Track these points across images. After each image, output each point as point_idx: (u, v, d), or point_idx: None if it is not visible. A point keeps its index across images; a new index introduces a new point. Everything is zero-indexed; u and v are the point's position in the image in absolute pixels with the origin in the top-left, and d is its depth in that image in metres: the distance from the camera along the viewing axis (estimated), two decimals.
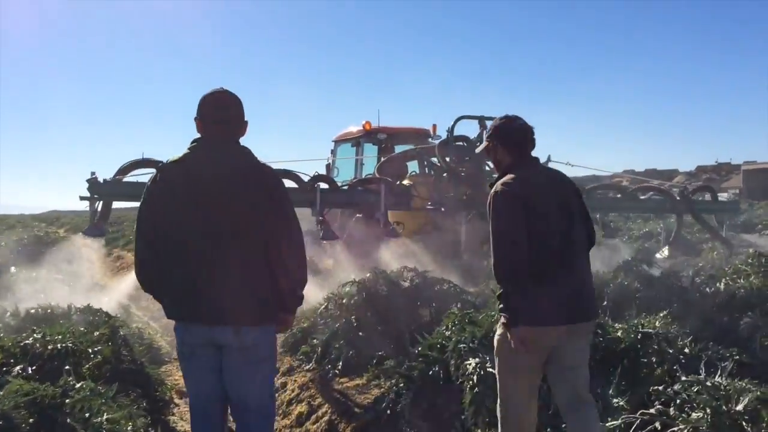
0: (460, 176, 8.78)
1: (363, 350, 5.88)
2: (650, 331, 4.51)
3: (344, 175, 11.25)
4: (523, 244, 3.14)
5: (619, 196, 9.35)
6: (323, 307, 6.49)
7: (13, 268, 10.12)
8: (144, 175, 7.37)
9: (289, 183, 7.15)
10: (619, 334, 4.59)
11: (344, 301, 6.30)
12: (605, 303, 7.86)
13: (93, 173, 6.71)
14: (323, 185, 7.38)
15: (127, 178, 7.38)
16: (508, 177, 3.33)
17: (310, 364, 6.06)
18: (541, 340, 3.26)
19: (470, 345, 4.56)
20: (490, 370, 4.20)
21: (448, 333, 4.96)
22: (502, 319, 3.26)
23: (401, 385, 4.70)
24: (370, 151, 11.35)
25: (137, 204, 3.13)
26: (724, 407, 3.24)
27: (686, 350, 4.39)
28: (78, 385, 3.64)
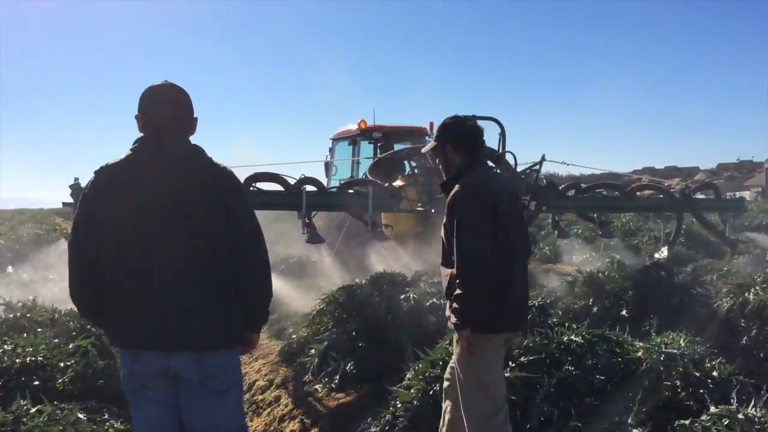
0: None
1: (363, 363, 5.49)
2: (674, 351, 4.06)
3: (342, 173, 11.04)
4: (490, 245, 3.17)
5: (616, 194, 8.79)
6: (315, 312, 6.12)
7: (9, 268, 9.87)
8: None
9: (275, 187, 6.97)
10: (640, 354, 4.17)
11: (338, 308, 5.92)
12: (623, 313, 7.50)
13: (76, 179, 6.39)
14: (310, 188, 7.12)
15: None
16: (472, 176, 3.33)
17: (307, 376, 5.67)
18: (497, 346, 3.41)
19: None
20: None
21: (451, 348, 4.56)
22: (454, 319, 3.26)
23: (398, 405, 4.30)
24: (367, 149, 11.20)
25: None
26: None
27: (714, 373, 3.94)
28: (33, 410, 3.26)
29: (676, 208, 8.86)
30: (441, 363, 4.29)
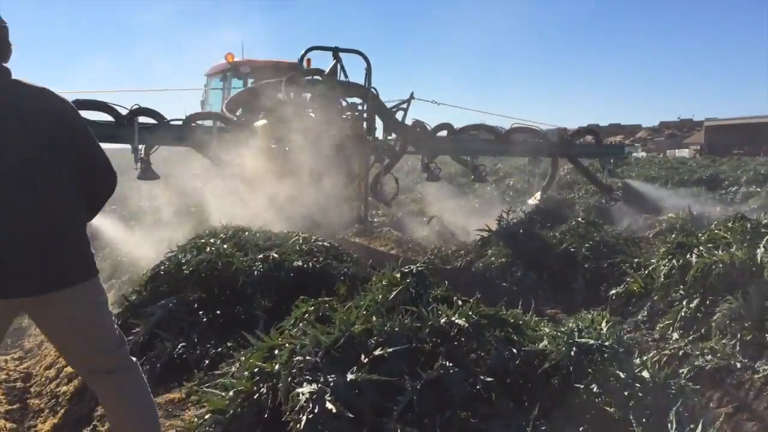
0: (306, 114, 7.77)
1: (199, 344, 4.19)
2: (591, 341, 2.86)
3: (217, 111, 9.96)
4: None
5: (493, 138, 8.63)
6: (150, 274, 4.77)
7: None
8: None
9: (103, 117, 6.61)
10: (544, 343, 2.95)
11: (177, 269, 4.57)
12: (544, 277, 6.44)
13: None
14: (145, 119, 6.68)
15: None
16: None
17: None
18: None
19: (309, 359, 2.88)
20: (331, 406, 2.59)
21: (295, 331, 3.27)
22: None
23: (207, 417, 3.01)
24: (237, 85, 10.53)
25: None
26: None
27: (645, 374, 2.76)
28: None
29: (552, 153, 8.67)
30: (286, 350, 3.01)
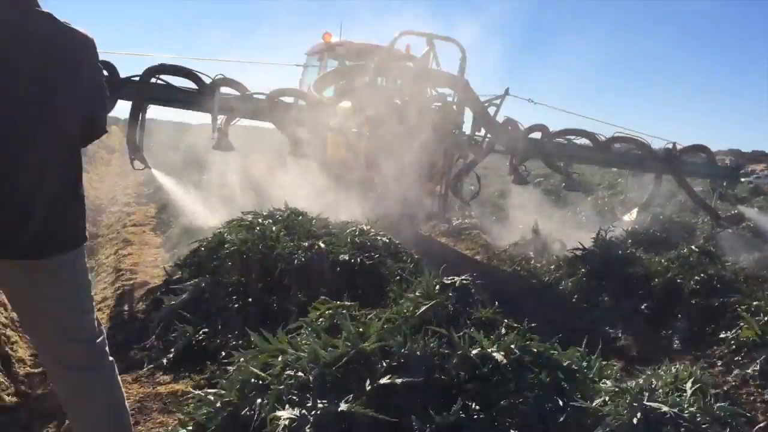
0: (392, 102, 7.40)
1: (222, 332, 3.78)
2: (663, 408, 2.13)
3: None
4: None
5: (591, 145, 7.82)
6: (195, 249, 4.43)
7: None
8: None
9: (187, 83, 6.39)
10: (602, 399, 2.25)
11: (213, 252, 4.18)
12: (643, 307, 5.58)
13: None
14: (228, 90, 6.44)
15: None
16: None
17: (149, 341, 3.98)
18: None
19: (301, 377, 2.34)
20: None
21: (300, 338, 2.75)
22: None
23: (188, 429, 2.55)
24: (334, 66, 9.87)
25: None
26: None
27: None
28: None
29: (656, 169, 7.98)
30: (281, 361, 2.51)
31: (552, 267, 6.84)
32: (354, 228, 4.56)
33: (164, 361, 3.63)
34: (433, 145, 7.21)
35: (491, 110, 7.59)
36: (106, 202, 11.21)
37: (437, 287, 2.80)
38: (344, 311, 2.75)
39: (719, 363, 4.65)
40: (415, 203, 7.67)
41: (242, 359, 2.80)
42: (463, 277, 2.89)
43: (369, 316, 2.76)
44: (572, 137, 7.76)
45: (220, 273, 4.23)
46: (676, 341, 5.10)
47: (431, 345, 2.44)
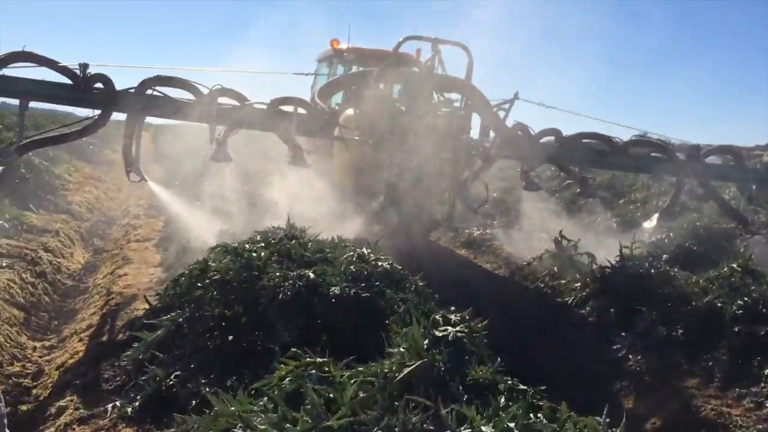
0: (396, 108, 7.12)
1: (199, 374, 3.37)
2: None
3: None
4: None
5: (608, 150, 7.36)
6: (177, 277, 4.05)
7: None
8: (23, 69, 5.98)
9: (184, 95, 6.22)
10: None
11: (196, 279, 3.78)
12: (676, 333, 5.04)
13: None
14: (226, 100, 6.25)
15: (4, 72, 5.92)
16: None
17: (119, 379, 3.60)
18: None
19: None
20: None
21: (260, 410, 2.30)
22: None
23: None
24: (342, 72, 9.80)
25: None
26: None
27: None
28: None
29: (677, 172, 7.54)
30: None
31: (577, 285, 6.32)
32: (351, 253, 4.11)
33: (129, 409, 3.23)
34: (440, 152, 6.89)
35: (500, 115, 7.19)
36: (118, 214, 10.97)
37: (427, 341, 2.33)
38: (313, 371, 2.30)
39: None
40: (424, 211, 7.36)
41: (198, 425, 2.38)
42: (458, 329, 2.41)
43: (344, 375, 2.31)
44: (588, 141, 7.37)
45: (203, 304, 3.82)
46: (717, 375, 4.56)
47: (413, 420, 1.98)
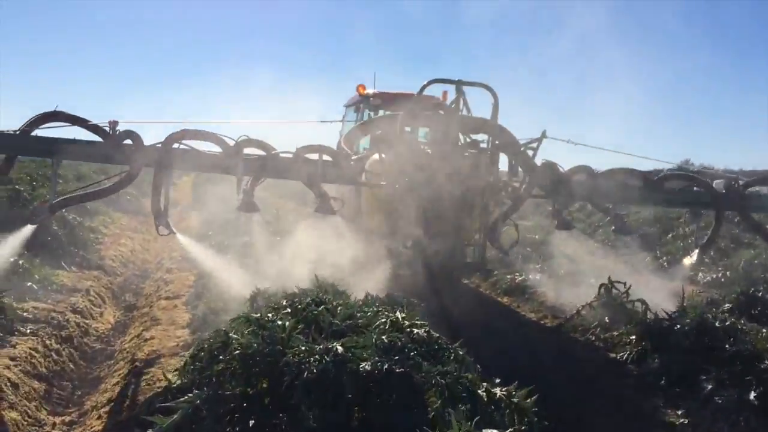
0: (421, 151, 7.08)
1: None
2: None
3: None
4: None
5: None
6: (196, 351, 3.75)
7: None
8: (55, 128, 6.12)
9: (210, 147, 6.20)
10: None
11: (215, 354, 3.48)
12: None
13: None
14: (253, 150, 6.32)
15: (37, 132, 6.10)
16: None
17: None
18: None
19: None
20: None
21: None
22: None
23: None
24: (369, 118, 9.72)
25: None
26: None
27: None
28: None
29: (716, 205, 7.28)
30: None
31: (632, 338, 5.84)
32: (384, 320, 3.77)
33: None
34: (468, 194, 6.77)
35: (528, 154, 7.02)
36: (153, 267, 10.84)
37: None
38: None
39: None
40: (455, 254, 7.22)
41: None
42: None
43: None
44: (621, 177, 7.16)
45: (223, 382, 3.51)
46: None
47: None
